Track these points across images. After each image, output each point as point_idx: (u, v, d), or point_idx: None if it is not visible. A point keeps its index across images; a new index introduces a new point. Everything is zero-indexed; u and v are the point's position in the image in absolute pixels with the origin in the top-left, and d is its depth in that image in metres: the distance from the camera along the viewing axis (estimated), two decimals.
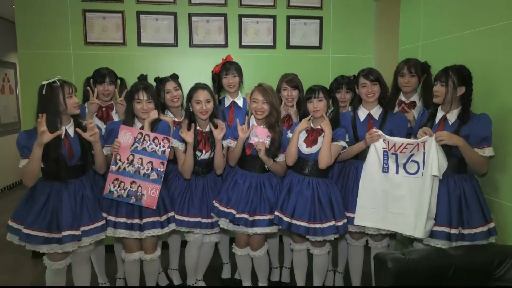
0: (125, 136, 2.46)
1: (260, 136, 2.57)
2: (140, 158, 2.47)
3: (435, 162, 2.25)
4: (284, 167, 2.68)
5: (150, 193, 2.48)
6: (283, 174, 2.72)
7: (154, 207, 2.51)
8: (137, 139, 2.46)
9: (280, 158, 2.64)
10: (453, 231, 2.29)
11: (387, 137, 2.43)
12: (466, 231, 2.30)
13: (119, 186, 2.45)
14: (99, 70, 2.94)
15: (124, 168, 2.46)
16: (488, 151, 2.28)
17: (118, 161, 2.45)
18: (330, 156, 2.46)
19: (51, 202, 2.31)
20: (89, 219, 2.39)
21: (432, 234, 2.33)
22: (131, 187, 2.46)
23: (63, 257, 2.40)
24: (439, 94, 2.35)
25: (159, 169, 2.49)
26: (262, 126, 2.63)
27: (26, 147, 2.26)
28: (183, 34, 3.75)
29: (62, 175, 2.32)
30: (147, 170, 2.48)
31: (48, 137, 2.18)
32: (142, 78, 2.82)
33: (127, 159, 2.46)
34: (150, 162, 2.48)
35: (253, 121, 2.67)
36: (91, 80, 2.94)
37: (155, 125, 2.57)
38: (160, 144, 2.48)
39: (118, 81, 3.00)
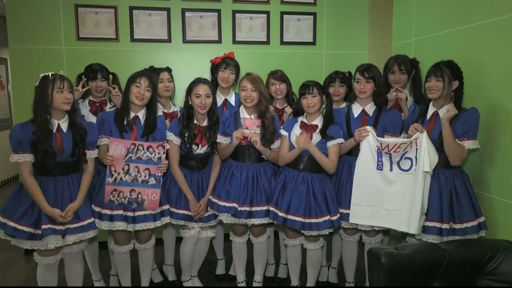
0: (117, 148, 2.42)
1: (250, 128, 2.58)
2: (136, 166, 2.45)
3: (426, 158, 2.26)
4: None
5: (151, 198, 2.48)
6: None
7: (157, 210, 2.53)
8: (130, 150, 2.43)
9: (276, 145, 2.66)
10: (444, 226, 2.32)
11: (380, 139, 2.43)
12: (457, 226, 2.33)
13: (118, 196, 2.43)
14: (91, 66, 2.92)
15: (121, 178, 2.43)
16: (467, 144, 2.28)
17: (113, 173, 2.42)
18: (336, 159, 2.52)
19: None
20: (75, 218, 2.36)
21: (424, 229, 2.36)
22: (130, 195, 2.45)
23: (53, 252, 2.38)
24: (436, 89, 2.34)
25: (157, 174, 2.48)
26: (251, 116, 2.64)
27: (19, 141, 2.24)
28: (177, 30, 3.74)
29: (50, 168, 2.29)
30: (145, 176, 2.46)
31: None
32: (148, 70, 2.81)
33: (123, 169, 2.43)
34: (147, 169, 2.46)
35: (243, 112, 2.68)
36: (83, 76, 2.92)
37: (153, 126, 2.57)
38: (155, 151, 2.47)
39: (110, 76, 2.99)
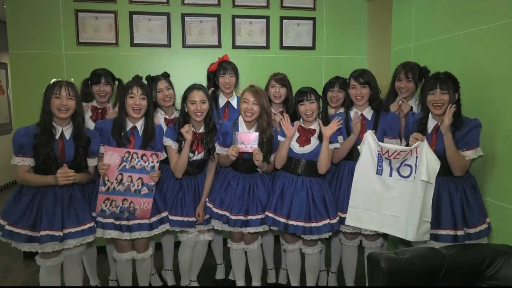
0: (112, 157, 2.41)
1: (246, 143, 2.51)
2: (130, 176, 2.45)
3: (423, 167, 2.25)
4: (273, 166, 2.69)
5: (143, 207, 2.48)
6: (272, 172, 2.74)
7: (152, 219, 2.53)
8: (124, 159, 2.43)
9: (271, 158, 2.65)
10: (459, 232, 2.30)
11: (381, 144, 2.43)
12: (472, 230, 2.31)
13: (110, 205, 2.43)
14: (95, 70, 2.91)
15: (114, 187, 2.43)
16: (468, 154, 2.27)
17: (106, 182, 2.42)
18: (329, 161, 2.52)
19: (37, 201, 2.30)
20: (76, 221, 2.35)
21: (437, 238, 2.33)
22: (123, 204, 2.45)
23: (55, 254, 2.37)
24: (442, 103, 2.28)
25: (149, 183, 2.47)
26: (250, 130, 2.60)
27: (22, 145, 2.25)
28: (176, 35, 3.75)
29: (52, 172, 2.29)
30: (138, 186, 2.46)
31: (66, 179, 2.24)
32: (137, 78, 2.79)
33: (116, 178, 2.43)
34: (140, 178, 2.46)
35: (242, 125, 2.64)
36: (89, 82, 2.90)
37: (152, 135, 2.55)
38: (149, 160, 2.46)
39: (116, 82, 2.96)
